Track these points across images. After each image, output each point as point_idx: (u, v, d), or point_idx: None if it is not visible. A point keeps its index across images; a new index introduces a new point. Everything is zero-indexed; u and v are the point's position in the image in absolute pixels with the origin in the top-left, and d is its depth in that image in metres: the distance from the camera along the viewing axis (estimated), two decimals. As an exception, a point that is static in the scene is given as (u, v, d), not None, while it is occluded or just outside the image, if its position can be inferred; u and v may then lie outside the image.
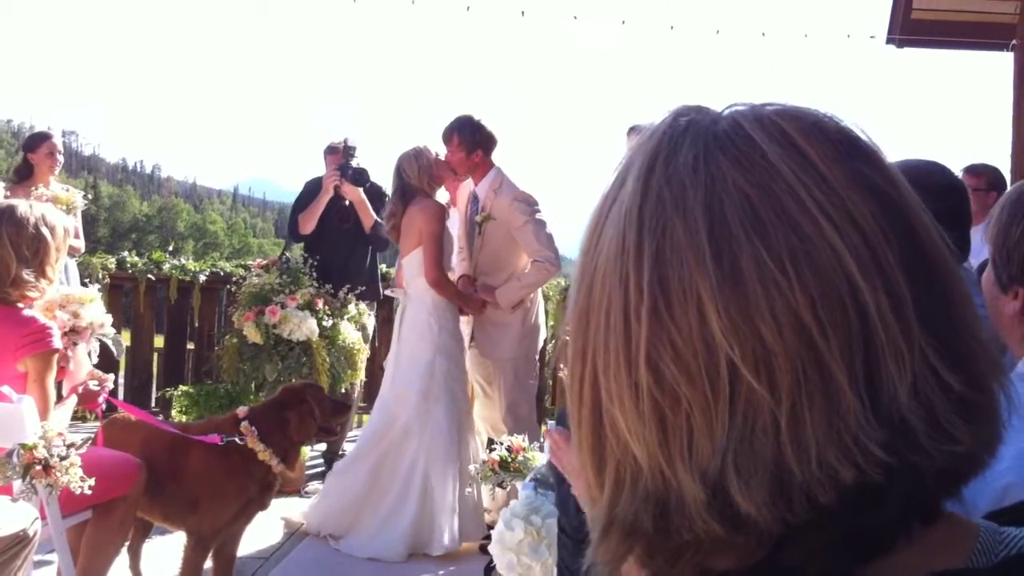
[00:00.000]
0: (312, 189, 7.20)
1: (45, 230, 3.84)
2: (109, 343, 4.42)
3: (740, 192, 0.66)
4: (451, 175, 5.91)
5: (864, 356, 0.64)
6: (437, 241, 5.65)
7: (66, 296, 4.18)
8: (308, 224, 7.08)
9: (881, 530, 0.66)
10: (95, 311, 4.18)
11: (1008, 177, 6.75)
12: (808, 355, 0.63)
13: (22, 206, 3.88)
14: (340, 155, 7.08)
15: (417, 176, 5.69)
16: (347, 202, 7.03)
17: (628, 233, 0.69)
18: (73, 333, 4.07)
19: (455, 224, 6.47)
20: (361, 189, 6.96)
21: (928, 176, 2.59)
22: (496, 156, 6.03)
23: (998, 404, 0.69)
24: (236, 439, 4.13)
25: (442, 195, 6.04)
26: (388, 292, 6.74)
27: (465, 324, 6.18)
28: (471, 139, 5.90)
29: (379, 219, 6.98)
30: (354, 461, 5.64)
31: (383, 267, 8.26)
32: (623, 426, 0.68)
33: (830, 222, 0.65)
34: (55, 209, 4.13)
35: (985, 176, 6.15)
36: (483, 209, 5.91)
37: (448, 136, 5.94)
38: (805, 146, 0.68)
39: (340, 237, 7.03)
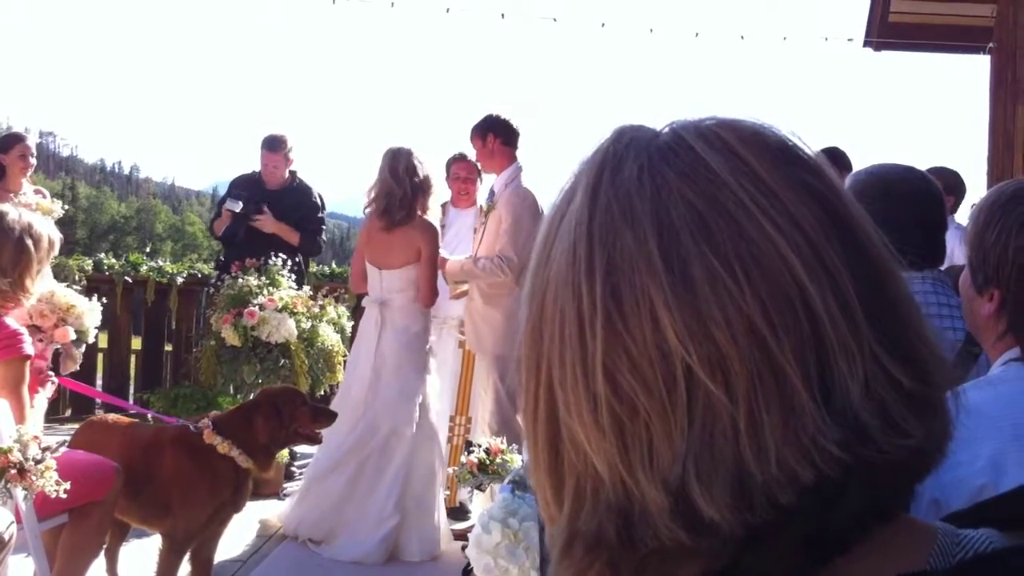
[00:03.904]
0: (233, 189, 7.41)
1: (29, 242, 3.79)
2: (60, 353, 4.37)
3: (686, 201, 0.68)
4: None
5: (816, 356, 0.65)
6: (436, 264, 5.69)
7: (52, 296, 4.15)
8: (220, 232, 7.35)
9: (840, 529, 0.66)
10: (75, 323, 4.16)
11: (984, 180, 6.81)
12: (762, 357, 0.64)
13: (11, 214, 3.83)
14: (277, 152, 7.32)
15: (428, 189, 5.65)
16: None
17: (578, 246, 0.70)
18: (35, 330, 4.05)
19: (456, 223, 6.52)
20: (265, 218, 7.15)
21: (905, 182, 2.61)
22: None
23: (946, 401, 0.71)
24: (191, 426, 4.16)
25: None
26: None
27: (449, 327, 6.24)
28: (482, 127, 5.98)
29: (312, 229, 7.41)
30: (335, 467, 5.59)
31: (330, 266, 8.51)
32: (582, 439, 0.68)
33: (774, 225, 0.66)
34: (45, 220, 4.08)
35: (942, 180, 6.22)
36: (494, 199, 5.94)
37: (470, 136, 6.06)
38: (746, 154, 0.70)
39: (257, 234, 7.13)
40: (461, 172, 6.66)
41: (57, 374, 4.29)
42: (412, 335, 5.68)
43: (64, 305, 4.15)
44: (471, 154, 6.39)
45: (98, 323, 4.41)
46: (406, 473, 5.49)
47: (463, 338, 6.35)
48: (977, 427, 1.54)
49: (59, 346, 4.26)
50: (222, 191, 7.75)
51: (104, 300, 4.65)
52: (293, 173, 7.47)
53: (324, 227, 7.73)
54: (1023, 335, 1.73)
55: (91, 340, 4.51)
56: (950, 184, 6.27)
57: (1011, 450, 1.52)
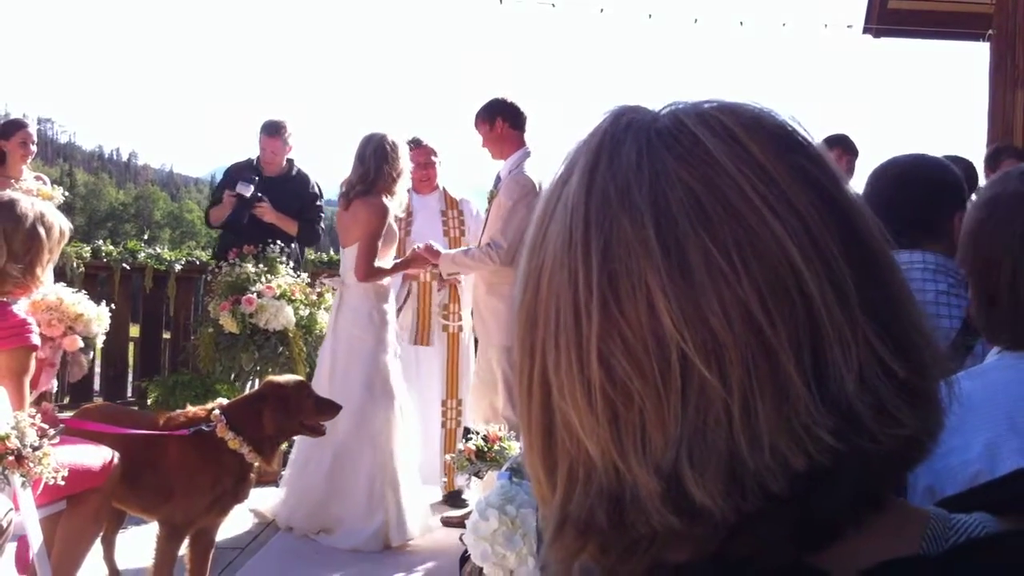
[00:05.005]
0: (229, 177, 7.41)
1: (41, 229, 3.82)
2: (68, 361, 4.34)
3: (684, 186, 0.67)
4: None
5: (811, 345, 0.65)
6: (375, 240, 5.52)
7: (61, 304, 4.13)
8: (217, 220, 7.34)
9: (832, 517, 0.66)
10: (83, 330, 4.14)
11: (982, 167, 6.81)
12: (757, 345, 0.64)
13: (24, 202, 3.86)
14: (276, 137, 7.29)
15: (391, 173, 5.55)
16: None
17: (575, 230, 0.69)
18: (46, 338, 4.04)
19: (423, 210, 6.46)
20: (266, 207, 7.14)
21: (923, 168, 2.69)
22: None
23: (939, 391, 0.71)
24: (203, 427, 4.10)
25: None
26: (325, 280, 6.70)
27: (446, 316, 6.23)
28: (489, 110, 5.85)
29: (311, 218, 7.39)
30: (308, 460, 5.57)
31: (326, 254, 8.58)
32: (576, 423, 0.68)
33: (773, 213, 0.66)
34: (56, 210, 4.08)
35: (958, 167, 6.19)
36: (498, 186, 5.86)
37: (475, 122, 5.92)
38: (746, 140, 0.69)
39: (255, 223, 7.15)
40: (420, 158, 6.41)
41: (63, 380, 4.28)
42: (365, 315, 5.59)
43: (72, 314, 4.14)
44: (471, 134, 6.28)
45: (106, 328, 4.40)
46: (384, 459, 5.45)
47: (446, 323, 6.35)
48: (969, 415, 1.55)
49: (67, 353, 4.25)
50: (221, 178, 7.72)
51: (97, 292, 4.61)
52: (291, 161, 7.45)
53: (323, 216, 7.72)
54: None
55: (100, 345, 4.49)
56: (965, 173, 6.25)
57: (1006, 438, 1.53)
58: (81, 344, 4.20)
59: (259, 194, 7.09)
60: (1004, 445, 1.52)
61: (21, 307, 3.77)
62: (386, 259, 5.63)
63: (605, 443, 0.67)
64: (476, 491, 4.61)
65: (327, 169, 7.43)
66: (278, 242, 6.80)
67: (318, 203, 7.61)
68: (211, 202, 7.67)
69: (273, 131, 7.32)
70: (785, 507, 0.64)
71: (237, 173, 7.31)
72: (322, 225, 7.71)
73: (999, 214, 1.72)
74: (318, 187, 7.61)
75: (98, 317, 4.25)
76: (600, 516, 0.67)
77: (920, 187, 2.64)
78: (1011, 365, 1.69)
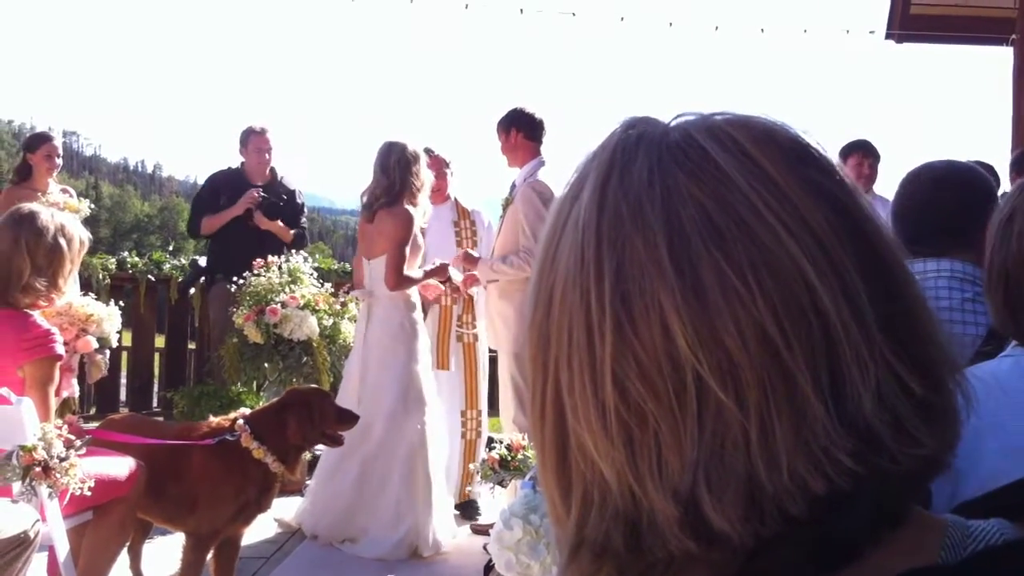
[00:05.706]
0: (215, 186, 7.49)
1: (63, 241, 3.87)
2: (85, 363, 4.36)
3: (696, 204, 0.66)
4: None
5: (828, 365, 0.64)
6: (403, 248, 5.50)
7: (70, 308, 4.16)
8: (211, 229, 7.40)
9: (850, 537, 0.65)
10: (96, 331, 4.17)
11: (1007, 172, 6.76)
12: (773, 366, 0.63)
13: (44, 214, 3.90)
14: (265, 134, 7.38)
15: (415, 183, 5.55)
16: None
17: (587, 250, 0.68)
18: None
19: (435, 220, 6.46)
20: (274, 223, 7.23)
21: (952, 175, 2.70)
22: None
23: (957, 405, 0.70)
24: (228, 436, 4.12)
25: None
26: (353, 292, 6.73)
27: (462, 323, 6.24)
28: (507, 120, 5.97)
29: (301, 227, 7.46)
30: (336, 468, 5.56)
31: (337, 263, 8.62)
32: (590, 446, 0.67)
33: (786, 229, 0.65)
34: (75, 220, 4.12)
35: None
36: (513, 193, 5.90)
37: (496, 130, 6.04)
38: (757, 155, 0.68)
39: (248, 231, 7.21)
40: (431, 169, 6.34)
41: (84, 382, 4.30)
42: (396, 325, 5.59)
43: (82, 316, 4.17)
44: (491, 143, 6.29)
45: (119, 327, 4.43)
46: (414, 469, 5.45)
47: (461, 330, 6.36)
48: None
49: (84, 355, 4.27)
50: (204, 184, 7.74)
51: (122, 303, 4.65)
52: (274, 170, 7.52)
53: (306, 224, 7.79)
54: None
55: (114, 345, 4.52)
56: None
57: (988, 437, 1.49)
58: (96, 345, 4.22)
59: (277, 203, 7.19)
60: (985, 444, 1.48)
61: (40, 317, 3.80)
62: (413, 268, 5.63)
63: (620, 466, 0.66)
64: (500, 499, 4.58)
65: (352, 181, 7.49)
66: (303, 253, 6.87)
67: (304, 211, 7.74)
68: (195, 210, 7.65)
69: (261, 130, 7.43)
70: (804, 529, 0.63)
71: (223, 181, 7.41)
72: (307, 233, 7.78)
73: (1002, 202, 1.73)
74: (302, 195, 7.75)
75: (109, 316, 4.28)
76: (616, 540, 0.67)
77: (954, 193, 2.63)
78: (1005, 356, 1.68)
